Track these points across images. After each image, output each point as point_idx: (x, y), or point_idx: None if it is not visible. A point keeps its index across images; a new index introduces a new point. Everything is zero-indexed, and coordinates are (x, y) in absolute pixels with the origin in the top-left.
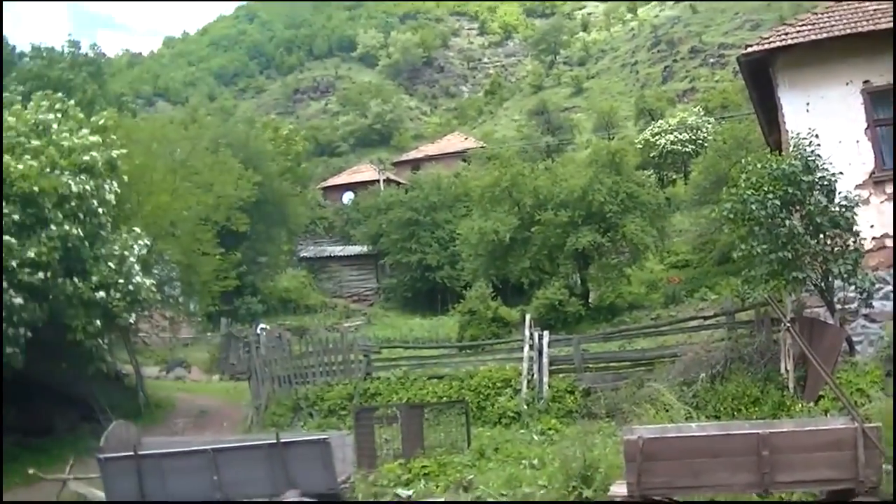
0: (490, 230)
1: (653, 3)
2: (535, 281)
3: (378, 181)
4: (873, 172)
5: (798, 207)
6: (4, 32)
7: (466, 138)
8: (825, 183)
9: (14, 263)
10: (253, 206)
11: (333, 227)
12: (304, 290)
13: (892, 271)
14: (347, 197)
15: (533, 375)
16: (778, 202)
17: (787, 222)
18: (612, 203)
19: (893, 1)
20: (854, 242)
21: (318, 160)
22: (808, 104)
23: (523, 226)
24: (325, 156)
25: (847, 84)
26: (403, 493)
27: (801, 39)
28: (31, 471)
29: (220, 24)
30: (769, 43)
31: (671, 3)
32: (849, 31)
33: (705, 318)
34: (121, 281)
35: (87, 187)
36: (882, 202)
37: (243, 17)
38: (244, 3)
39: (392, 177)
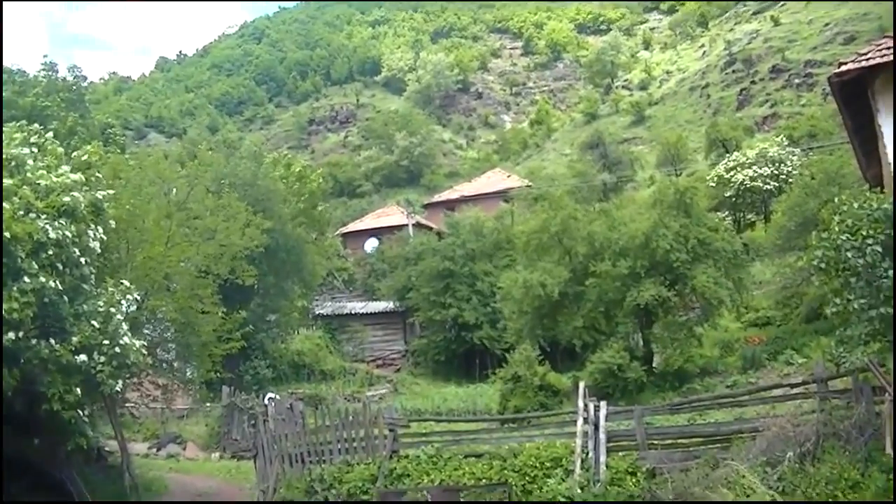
0: (537, 283)
1: (727, 15)
2: (589, 342)
3: (406, 226)
4: None
5: None
6: None
7: (509, 176)
8: None
9: None
10: (262, 255)
11: (354, 279)
12: (321, 353)
13: None
14: (371, 244)
15: (588, 454)
16: (879, 248)
17: (891, 273)
18: (680, 251)
19: (893, 1)
20: None
21: (336, 202)
22: None
23: (575, 278)
24: (344, 197)
25: None
26: None
27: None
28: None
29: (222, 45)
30: (867, 59)
31: (748, 14)
32: None
33: (792, 385)
34: (106, 342)
35: (68, 233)
36: None
37: (249, 36)
38: (256, 16)
39: (423, 221)
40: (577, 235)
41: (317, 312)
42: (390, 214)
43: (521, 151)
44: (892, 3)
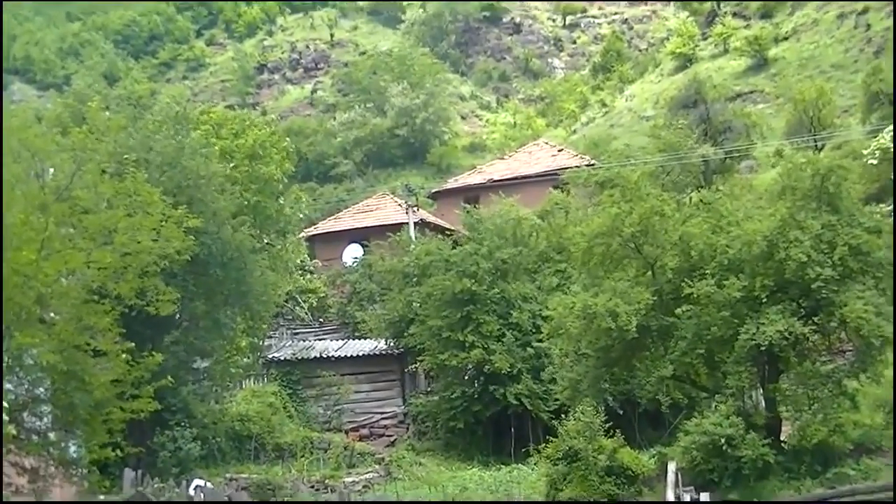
0: (603, 311)
1: None
2: (681, 402)
3: (405, 225)
4: None
5: None
6: None
7: (560, 150)
8: None
9: None
10: (187, 270)
11: (327, 306)
12: (276, 417)
13: None
14: (352, 253)
15: None
16: None
17: None
18: (823, 264)
19: (893, 1)
20: None
21: (300, 188)
22: None
23: (662, 304)
24: (312, 181)
25: None
26: None
27: None
28: None
29: None
30: None
31: None
32: None
33: None
34: None
35: None
36: None
37: None
38: None
39: (430, 217)
40: (663, 240)
41: (270, 357)
42: (381, 208)
43: (578, 113)
44: (892, 2)
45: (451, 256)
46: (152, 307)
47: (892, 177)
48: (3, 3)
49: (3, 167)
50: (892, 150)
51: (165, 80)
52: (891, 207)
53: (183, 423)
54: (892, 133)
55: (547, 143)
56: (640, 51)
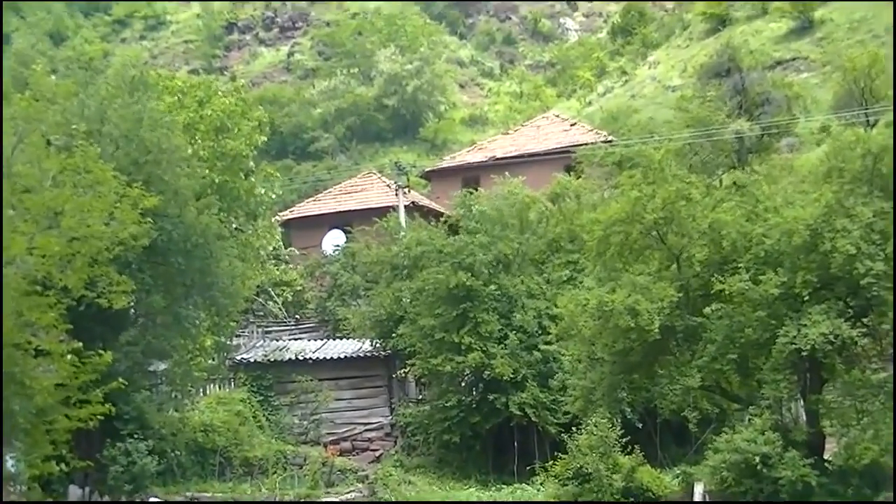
0: (621, 309)
1: None
2: (710, 414)
3: (395, 209)
4: None
5: None
6: None
7: (574, 124)
8: None
9: None
10: (143, 259)
11: (304, 301)
12: (244, 428)
13: None
14: (333, 240)
15: None
16: None
17: None
18: (874, 257)
19: (893, 1)
20: None
21: (274, 166)
22: None
23: (688, 302)
24: (289, 157)
25: None
26: None
27: None
28: None
29: None
30: None
31: None
32: None
33: None
34: None
35: None
36: None
37: None
38: None
39: (423, 200)
40: (690, 229)
41: (239, 358)
42: (367, 189)
43: (594, 82)
44: (892, 2)
45: (446, 246)
46: (104, 300)
47: (892, 175)
48: (3, 2)
49: None
50: None
51: (120, 39)
52: None
53: (137, 434)
54: None
55: (558, 117)
56: (665, 11)
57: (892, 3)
